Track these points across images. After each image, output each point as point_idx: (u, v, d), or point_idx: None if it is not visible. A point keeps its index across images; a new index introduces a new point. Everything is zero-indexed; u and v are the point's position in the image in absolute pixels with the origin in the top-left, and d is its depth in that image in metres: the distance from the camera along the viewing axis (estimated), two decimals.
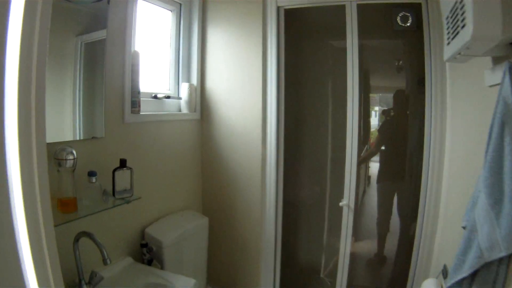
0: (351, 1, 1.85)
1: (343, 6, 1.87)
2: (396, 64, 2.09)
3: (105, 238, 1.39)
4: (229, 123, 2.11)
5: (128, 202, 1.46)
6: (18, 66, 0.62)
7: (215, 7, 2.09)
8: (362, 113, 1.97)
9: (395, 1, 1.85)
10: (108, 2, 1.44)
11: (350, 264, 2.00)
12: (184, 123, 2.06)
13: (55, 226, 1.08)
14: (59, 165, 1.19)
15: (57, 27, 1.27)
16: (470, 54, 0.90)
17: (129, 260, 1.61)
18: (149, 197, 1.74)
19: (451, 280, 0.92)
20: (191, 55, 2.12)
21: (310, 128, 2.32)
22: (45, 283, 0.68)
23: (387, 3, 1.88)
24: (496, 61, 0.96)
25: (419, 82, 1.87)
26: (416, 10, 1.82)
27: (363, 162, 2.12)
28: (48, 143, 1.20)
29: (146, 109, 1.77)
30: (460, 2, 0.85)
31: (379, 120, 2.18)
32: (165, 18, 2.02)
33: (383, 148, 2.18)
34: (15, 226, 0.69)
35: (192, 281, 1.50)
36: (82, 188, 1.33)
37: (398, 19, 1.89)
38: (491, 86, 0.99)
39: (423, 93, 1.79)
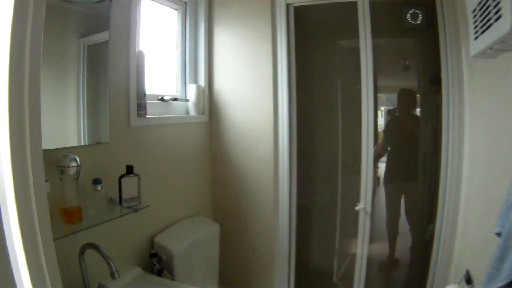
0: None
1: (355, 3, 1.80)
2: (403, 63, 2.05)
3: (113, 248, 1.33)
4: (238, 125, 2.04)
5: (136, 210, 1.38)
6: (8, 67, 0.58)
7: (221, 5, 2.02)
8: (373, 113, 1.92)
9: None
10: (111, 0, 1.38)
11: (368, 269, 1.94)
12: (192, 126, 2.00)
13: (59, 238, 1.03)
14: (62, 172, 1.13)
15: (58, 29, 1.24)
16: (505, 48, 0.85)
17: (139, 270, 1.55)
18: (157, 204, 1.67)
19: None
20: (198, 55, 2.06)
21: (322, 129, 2.27)
22: None
23: (397, 0, 1.82)
24: None
25: (431, 81, 1.82)
26: (426, 7, 1.76)
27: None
28: (50, 149, 1.16)
29: (153, 112, 1.71)
30: None
31: (385, 120, 2.14)
32: (170, 17, 1.96)
33: (389, 148, 2.13)
34: (10, 242, 0.63)
35: None
36: (87, 196, 1.27)
37: (408, 16, 1.84)
38: None
39: (436, 92, 1.72)
